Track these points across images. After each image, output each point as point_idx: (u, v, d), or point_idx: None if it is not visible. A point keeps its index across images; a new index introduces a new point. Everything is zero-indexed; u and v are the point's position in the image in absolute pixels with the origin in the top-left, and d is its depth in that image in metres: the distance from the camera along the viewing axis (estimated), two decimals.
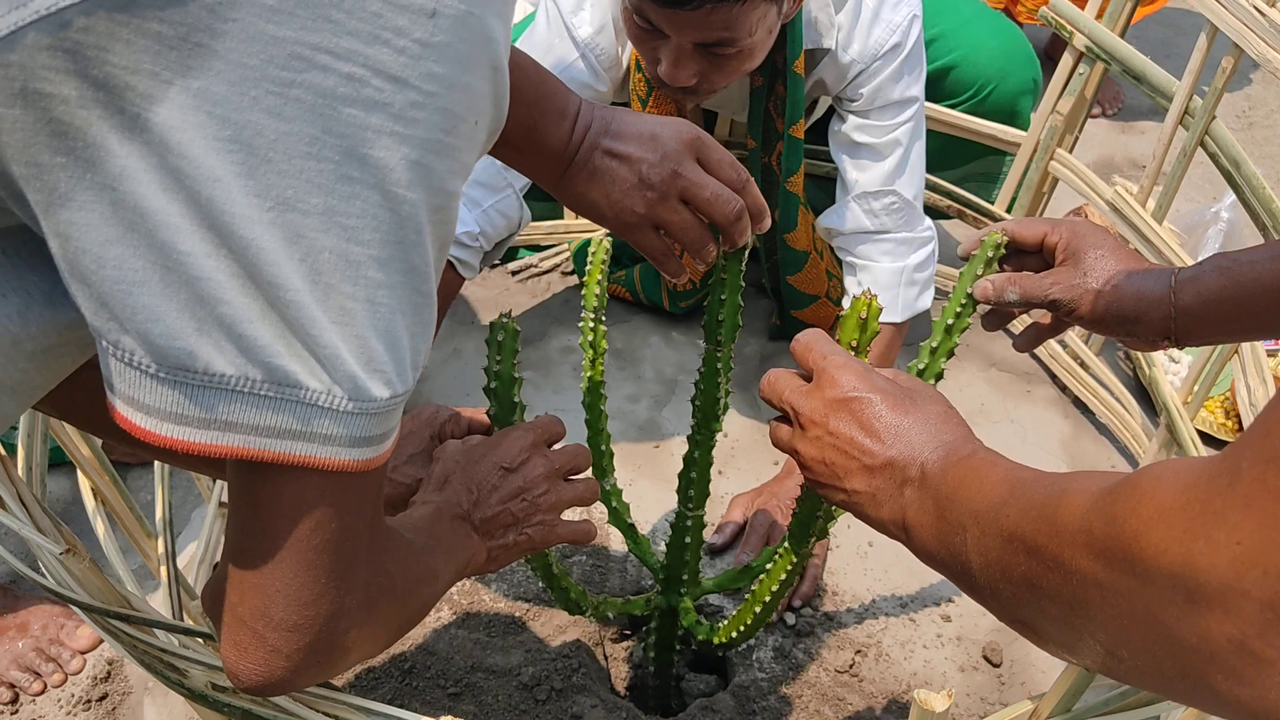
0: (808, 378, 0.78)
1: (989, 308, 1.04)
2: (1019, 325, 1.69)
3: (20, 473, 0.86)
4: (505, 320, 0.93)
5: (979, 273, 0.99)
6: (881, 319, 1.47)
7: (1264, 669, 0.39)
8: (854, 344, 0.86)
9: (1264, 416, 0.41)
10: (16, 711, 1.35)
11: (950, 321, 0.98)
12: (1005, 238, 1.00)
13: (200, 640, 0.69)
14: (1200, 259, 0.94)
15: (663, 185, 0.86)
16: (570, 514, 1.49)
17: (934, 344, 0.98)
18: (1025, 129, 1.72)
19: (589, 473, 0.97)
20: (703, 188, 0.86)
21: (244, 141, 0.47)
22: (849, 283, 1.57)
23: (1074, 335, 1.76)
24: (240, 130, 0.47)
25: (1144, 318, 0.94)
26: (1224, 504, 0.40)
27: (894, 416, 0.71)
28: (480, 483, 0.87)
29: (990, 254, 0.99)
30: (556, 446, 0.95)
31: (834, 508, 0.95)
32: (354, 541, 0.60)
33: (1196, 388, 1.48)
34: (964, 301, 0.98)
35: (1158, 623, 0.44)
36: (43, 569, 0.73)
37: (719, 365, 1.04)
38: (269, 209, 0.49)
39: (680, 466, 1.13)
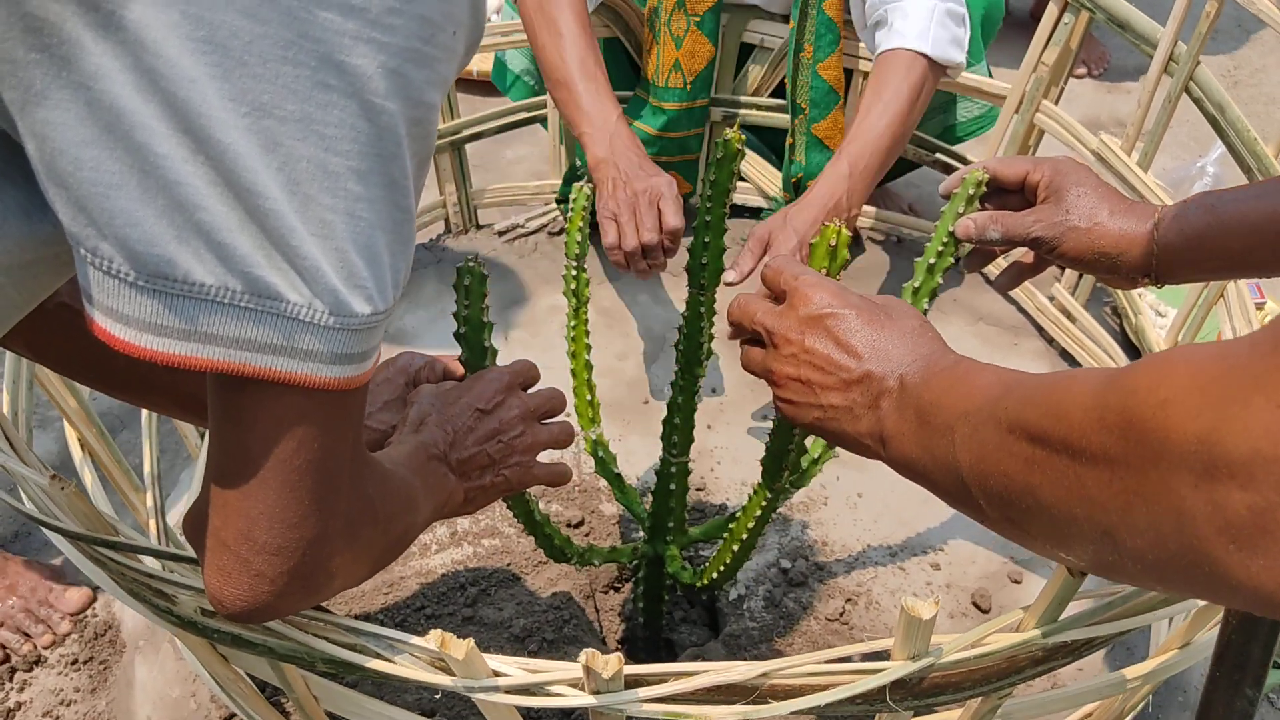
0: (778, 302, 0.78)
1: (970, 247, 1.04)
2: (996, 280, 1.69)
3: (5, 412, 0.86)
4: (471, 264, 0.93)
5: (960, 211, 0.99)
6: (909, 46, 1.49)
7: None
8: (824, 272, 0.86)
9: None
10: (13, 675, 1.35)
11: (932, 261, 0.97)
12: (986, 175, 1.00)
13: (188, 566, 0.69)
14: (1187, 200, 0.94)
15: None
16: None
17: (916, 284, 0.98)
18: (978, 60, 1.72)
19: (564, 416, 0.97)
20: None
21: (219, 42, 0.47)
22: (879, 37, 1.57)
23: (1061, 288, 1.76)
24: (215, 30, 0.47)
25: (1126, 255, 0.95)
26: (1265, 368, 0.40)
27: (869, 331, 0.71)
28: (456, 424, 0.87)
29: (971, 192, 0.99)
30: (531, 390, 0.95)
31: (804, 441, 0.95)
32: (337, 463, 0.59)
33: (1181, 336, 1.49)
34: (945, 240, 0.98)
35: (1169, 494, 0.43)
36: (27, 501, 0.73)
37: (702, 310, 1.04)
38: (245, 114, 0.48)
39: None
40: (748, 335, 0.80)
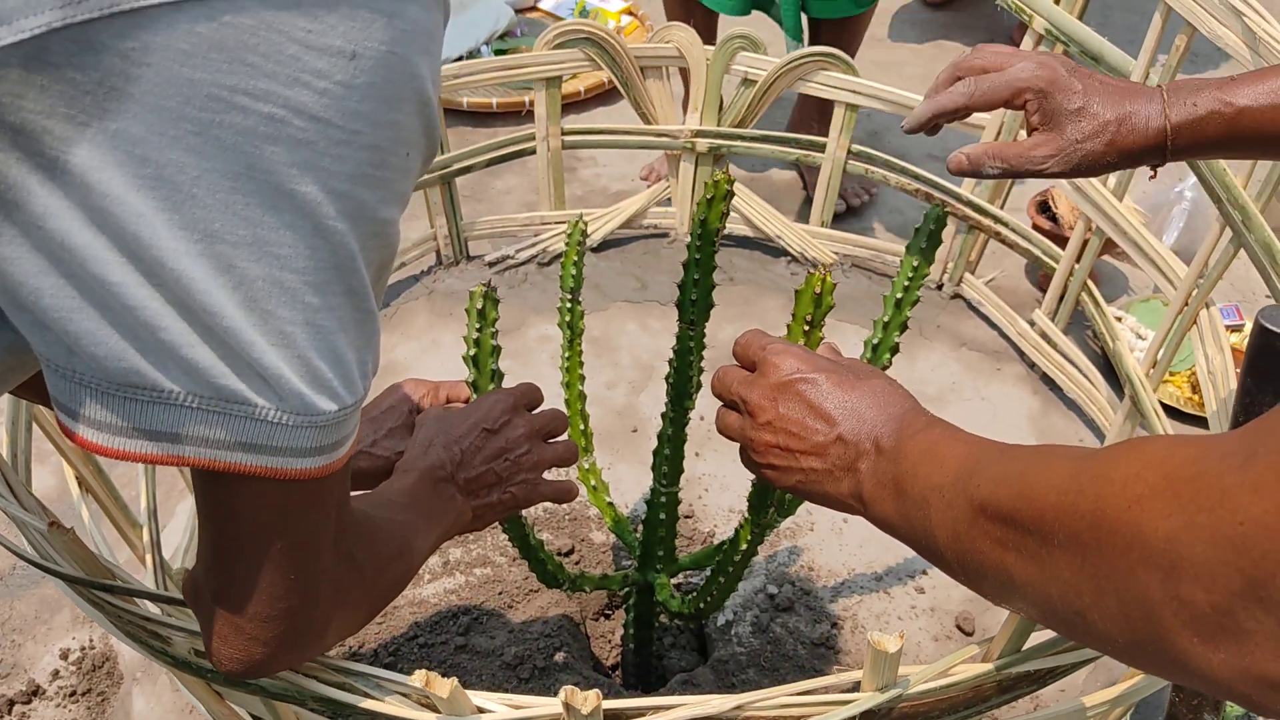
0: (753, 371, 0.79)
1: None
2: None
3: (5, 455, 0.88)
4: (485, 289, 0.96)
5: (923, 245, 0.99)
6: None
7: (1241, 638, 0.41)
8: (809, 318, 0.89)
9: None
10: (11, 707, 1.37)
11: (899, 296, 1.00)
12: (946, 211, 1.01)
13: (181, 609, 0.72)
14: (1195, 95, 0.88)
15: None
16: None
17: (885, 319, 1.01)
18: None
19: (567, 435, 1.00)
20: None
21: (166, 179, 0.48)
22: None
23: (1041, 314, 1.80)
24: (162, 168, 0.48)
25: (1137, 149, 0.90)
26: (1233, 483, 0.41)
27: (839, 393, 0.72)
28: (463, 444, 0.91)
29: (932, 226, 0.99)
30: (535, 411, 0.98)
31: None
32: (318, 539, 0.62)
33: (1160, 355, 1.52)
34: (910, 276, 1.01)
35: (1136, 585, 0.44)
36: (27, 545, 0.75)
37: (691, 344, 1.07)
38: (196, 241, 0.49)
39: None
40: (728, 404, 0.82)
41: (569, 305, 1.19)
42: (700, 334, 1.07)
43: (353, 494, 0.81)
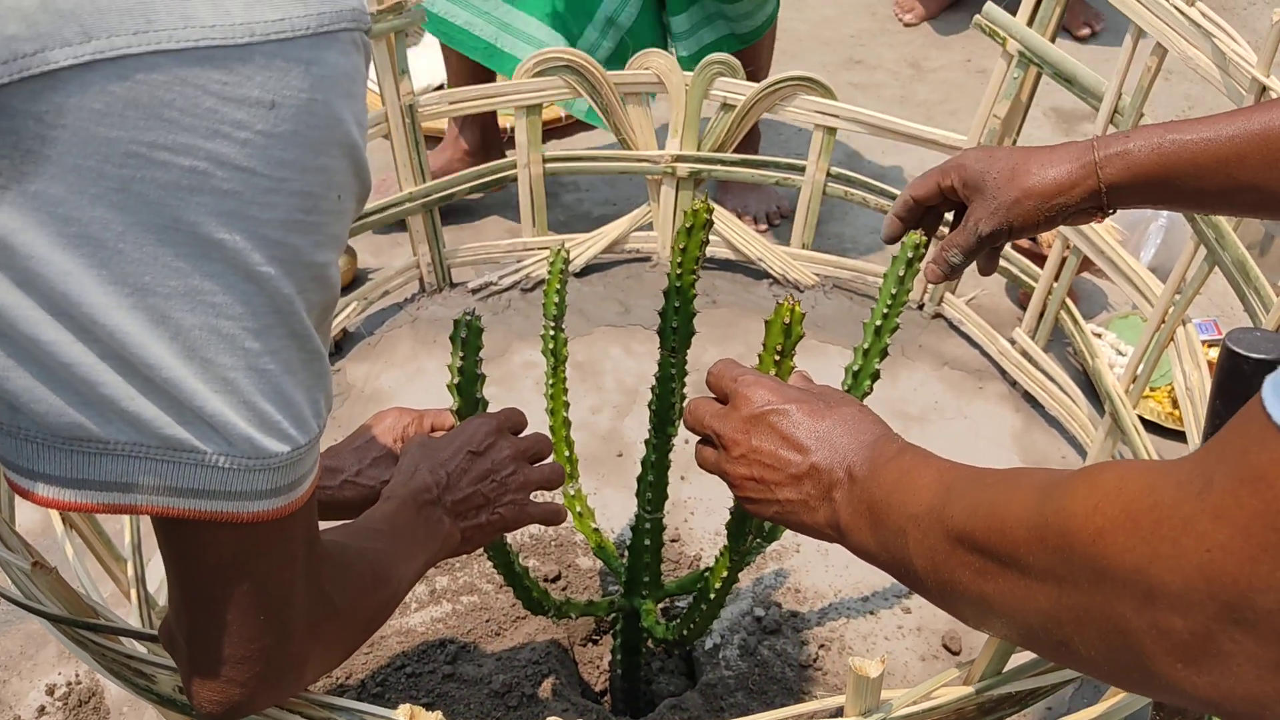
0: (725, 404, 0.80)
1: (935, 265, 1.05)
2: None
3: None
4: (469, 318, 0.96)
5: (901, 274, 1.01)
6: None
7: (1223, 660, 0.41)
8: (779, 348, 0.89)
9: (1239, 431, 0.42)
10: None
11: (879, 323, 1.01)
12: (923, 236, 1.03)
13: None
14: (1130, 136, 0.93)
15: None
16: None
17: (866, 345, 1.02)
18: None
19: (552, 458, 1.01)
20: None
21: (90, 236, 0.48)
22: None
23: (1021, 332, 1.81)
24: (86, 226, 0.48)
25: (1071, 198, 0.94)
26: (1193, 511, 0.42)
27: (811, 423, 0.72)
28: (449, 467, 0.91)
29: (910, 255, 1.01)
30: (520, 434, 0.99)
31: None
32: (286, 578, 0.61)
33: (1139, 371, 1.53)
34: (889, 303, 1.02)
35: (1114, 615, 0.45)
36: (11, 584, 0.75)
37: (673, 371, 1.08)
38: (127, 294, 0.49)
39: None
40: (701, 438, 0.82)
41: (552, 333, 1.20)
42: (682, 361, 1.08)
43: (333, 524, 0.82)
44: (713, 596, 1.10)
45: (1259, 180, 0.84)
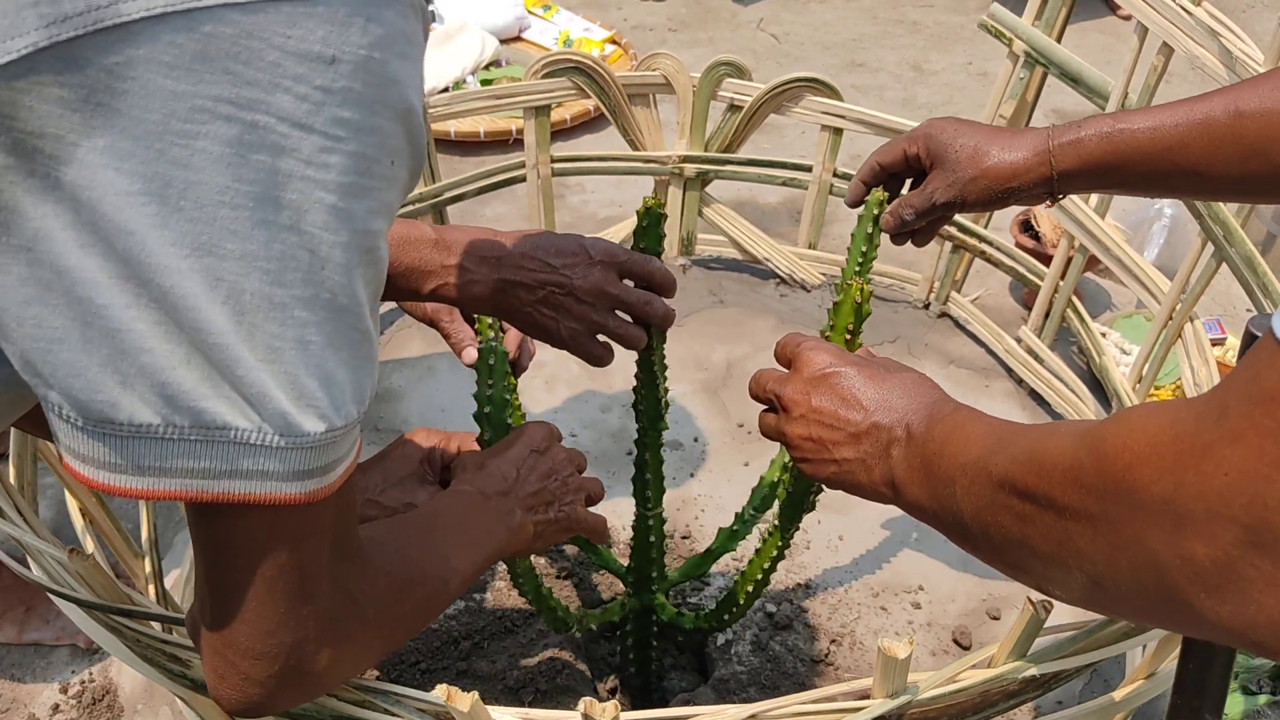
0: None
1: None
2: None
3: (14, 483, 0.89)
4: (494, 344, 0.97)
5: (869, 231, 1.05)
6: None
7: (1244, 586, 0.43)
8: (849, 327, 0.92)
9: (1250, 360, 0.44)
10: None
11: (850, 282, 1.03)
12: (885, 194, 1.06)
13: None
14: (1082, 125, 0.97)
15: (600, 302, 1.00)
16: None
17: (838, 298, 1.03)
18: None
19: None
20: (632, 302, 1.00)
21: (154, 193, 0.48)
22: None
23: (1028, 330, 1.82)
24: (149, 183, 0.48)
25: (1023, 182, 0.98)
26: (1213, 438, 0.44)
27: (871, 386, 0.75)
28: (518, 463, 0.94)
29: (876, 211, 1.05)
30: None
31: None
32: (311, 570, 0.61)
33: (1146, 369, 1.54)
34: (859, 262, 1.04)
35: (1145, 548, 0.47)
36: (45, 574, 0.76)
37: (654, 366, 1.07)
38: (186, 256, 0.49)
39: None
40: (765, 404, 0.84)
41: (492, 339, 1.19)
42: (660, 354, 1.07)
43: (375, 520, 0.81)
44: (759, 577, 1.12)
45: (1200, 166, 0.89)
